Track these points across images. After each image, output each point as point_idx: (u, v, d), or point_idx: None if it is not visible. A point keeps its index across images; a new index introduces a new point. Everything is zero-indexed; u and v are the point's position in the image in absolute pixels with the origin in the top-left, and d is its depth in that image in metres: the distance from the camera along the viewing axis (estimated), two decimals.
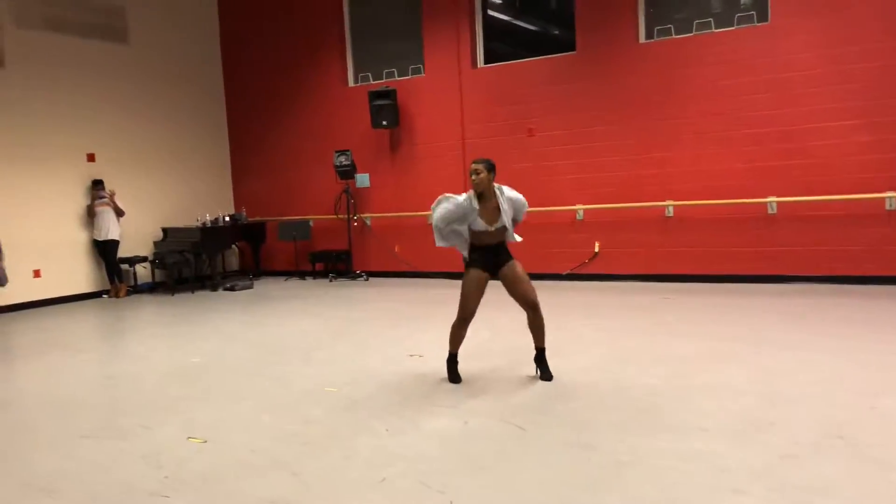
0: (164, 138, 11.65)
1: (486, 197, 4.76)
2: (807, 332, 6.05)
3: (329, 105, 11.65)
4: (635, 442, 3.71)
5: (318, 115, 11.76)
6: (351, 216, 11.33)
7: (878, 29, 7.92)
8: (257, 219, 12.32)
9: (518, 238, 4.94)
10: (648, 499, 3.07)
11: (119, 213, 10.50)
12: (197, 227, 11.08)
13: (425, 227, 10.50)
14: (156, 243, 11.28)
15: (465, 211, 4.75)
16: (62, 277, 10.20)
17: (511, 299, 4.93)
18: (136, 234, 11.00)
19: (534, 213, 9.58)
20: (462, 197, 4.78)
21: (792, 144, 8.41)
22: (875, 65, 7.96)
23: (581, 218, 9.72)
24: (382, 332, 7.04)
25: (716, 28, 8.85)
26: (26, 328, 8.39)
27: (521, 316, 5.02)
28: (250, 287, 10.90)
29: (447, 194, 4.86)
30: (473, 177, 4.72)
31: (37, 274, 9.90)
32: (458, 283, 4.94)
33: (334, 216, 11.52)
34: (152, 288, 11.16)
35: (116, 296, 10.55)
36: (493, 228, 4.76)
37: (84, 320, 8.92)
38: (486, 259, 4.83)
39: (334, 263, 11.51)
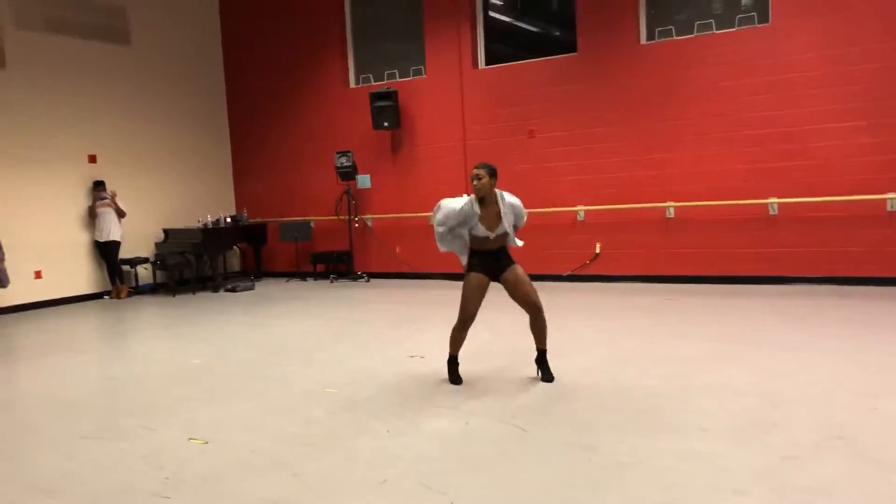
0: (166, 139, 11.67)
1: (487, 202, 4.76)
2: (807, 333, 6.05)
3: (330, 106, 11.66)
4: (636, 443, 3.71)
5: (319, 116, 11.77)
6: (352, 217, 11.34)
7: (879, 30, 7.92)
8: (258, 220, 12.33)
9: (519, 243, 4.94)
10: (649, 499, 3.07)
11: (120, 214, 10.51)
12: (198, 229, 11.09)
13: (426, 228, 10.50)
14: (157, 244, 11.29)
15: (465, 216, 4.75)
16: (63, 278, 10.21)
17: (512, 300, 4.93)
18: (137, 235, 11.00)
19: (535, 215, 9.57)
20: (464, 201, 4.78)
21: (793, 145, 8.41)
22: (876, 66, 7.96)
23: (582, 219, 9.72)
24: (383, 333, 7.04)
25: (717, 29, 8.85)
26: (27, 329, 8.40)
27: (522, 317, 5.03)
28: (251, 288, 10.91)
29: (448, 199, 4.85)
30: (475, 182, 4.72)
31: (38, 275, 9.91)
32: (459, 284, 4.94)
33: (335, 217, 11.52)
34: (153, 289, 11.17)
35: (118, 297, 10.56)
36: (493, 235, 4.76)
37: (85, 321, 8.93)
38: (487, 264, 4.82)
39: (335, 264, 11.52)
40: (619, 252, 9.52)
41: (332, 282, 11.29)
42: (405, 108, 10.86)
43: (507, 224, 4.78)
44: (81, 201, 10.47)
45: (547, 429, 4.01)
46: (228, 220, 11.65)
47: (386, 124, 10.73)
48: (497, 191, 4.81)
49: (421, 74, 10.94)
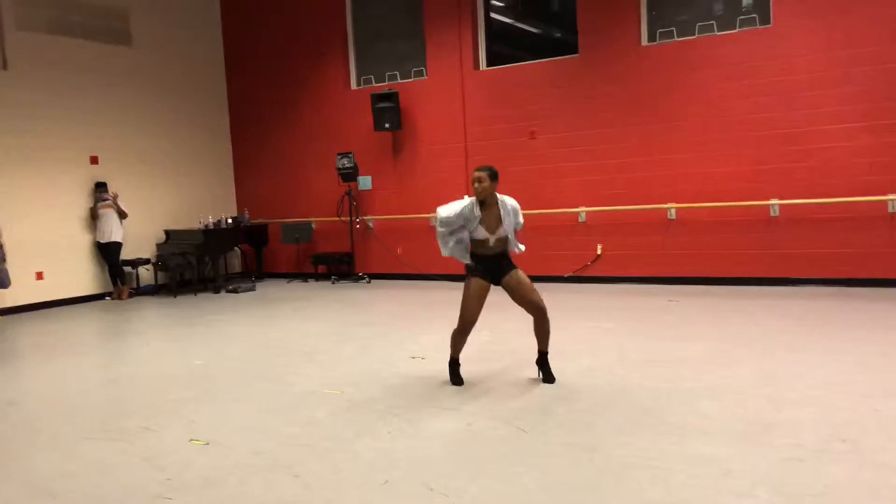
0: (167, 140, 11.67)
1: (487, 204, 4.77)
2: (810, 335, 6.04)
3: (331, 107, 11.66)
4: (638, 444, 3.70)
5: (320, 117, 11.77)
6: (353, 218, 11.34)
7: (881, 31, 7.92)
8: (260, 221, 12.33)
9: (521, 248, 4.93)
10: (652, 502, 3.07)
11: (122, 215, 10.51)
12: (199, 230, 11.09)
13: (427, 229, 10.53)
14: (158, 245, 11.29)
15: (466, 217, 4.75)
16: (65, 279, 10.21)
17: (513, 302, 4.93)
18: (138, 236, 11.01)
19: (536, 216, 9.61)
20: (465, 203, 4.78)
21: (794, 147, 8.41)
22: (877, 67, 7.95)
23: (583, 220, 9.72)
24: (384, 334, 7.03)
25: (718, 31, 8.85)
26: (29, 330, 8.40)
27: (523, 318, 5.02)
28: (253, 289, 10.91)
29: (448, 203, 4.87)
30: (476, 184, 4.73)
31: (40, 276, 9.91)
32: (460, 285, 4.94)
33: (337, 218, 11.52)
34: (155, 290, 11.17)
35: (119, 298, 10.57)
36: (493, 237, 4.76)
37: (86, 322, 8.93)
38: (488, 268, 4.83)
39: (336, 265, 11.52)
40: (620, 253, 9.51)
41: (333, 283, 11.29)
42: (406, 110, 10.86)
43: (507, 227, 4.78)
44: (83, 202, 10.48)
45: (548, 430, 4.01)
46: (230, 221, 11.65)
47: (387, 125, 10.73)
48: (497, 194, 4.82)
49: (422, 75, 10.94)
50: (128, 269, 10.84)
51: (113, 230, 10.40)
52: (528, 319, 4.95)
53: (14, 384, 5.89)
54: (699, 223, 9.02)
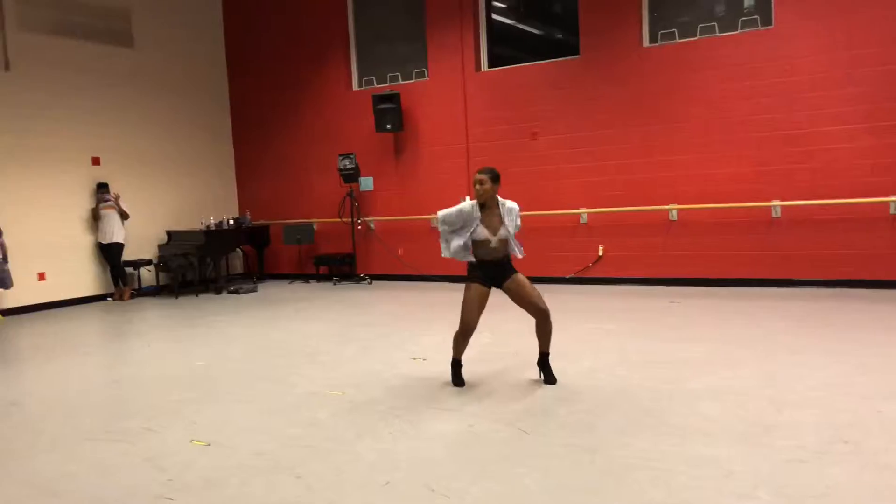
0: (169, 141, 11.69)
1: (488, 206, 4.80)
2: (812, 336, 6.03)
3: (333, 108, 11.67)
4: (639, 446, 3.70)
5: (322, 118, 11.78)
6: (355, 219, 11.35)
7: (883, 32, 7.92)
8: (261, 222, 12.34)
9: (521, 253, 4.93)
10: (653, 503, 3.06)
11: (124, 216, 10.52)
12: (201, 231, 11.10)
13: (429, 230, 10.54)
14: (160, 246, 11.30)
15: (466, 218, 4.76)
16: (67, 280, 10.23)
17: (514, 303, 4.93)
18: (140, 237, 11.02)
19: (537, 217, 9.62)
20: (466, 203, 4.80)
21: (796, 148, 8.41)
22: (879, 69, 7.95)
23: (585, 221, 9.72)
24: (386, 335, 7.03)
25: (720, 32, 8.84)
26: (31, 331, 8.41)
27: (524, 319, 5.02)
28: (254, 290, 10.92)
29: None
30: (477, 186, 4.75)
31: (41, 277, 9.93)
32: (461, 286, 4.94)
33: (338, 219, 11.53)
34: (156, 291, 11.18)
35: (121, 299, 10.58)
36: (494, 238, 4.76)
37: (88, 323, 8.94)
38: (490, 274, 4.84)
39: (338, 266, 11.52)
40: (621, 254, 9.51)
41: (334, 284, 11.29)
42: (408, 111, 10.87)
43: (509, 228, 4.79)
44: (85, 203, 10.50)
45: (550, 431, 4.01)
46: (231, 222, 11.66)
47: (389, 126, 10.74)
48: (499, 197, 4.84)
49: (424, 77, 10.95)
50: (129, 269, 10.85)
51: (115, 231, 10.42)
52: (530, 320, 4.95)
53: (16, 385, 5.89)
54: (700, 224, 9.02)
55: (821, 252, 8.37)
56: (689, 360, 5.41)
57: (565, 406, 4.43)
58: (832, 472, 3.27)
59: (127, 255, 10.71)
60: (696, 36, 8.99)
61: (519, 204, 4.95)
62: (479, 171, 4.80)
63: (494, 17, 10.65)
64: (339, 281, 11.39)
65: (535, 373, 5.04)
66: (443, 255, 4.97)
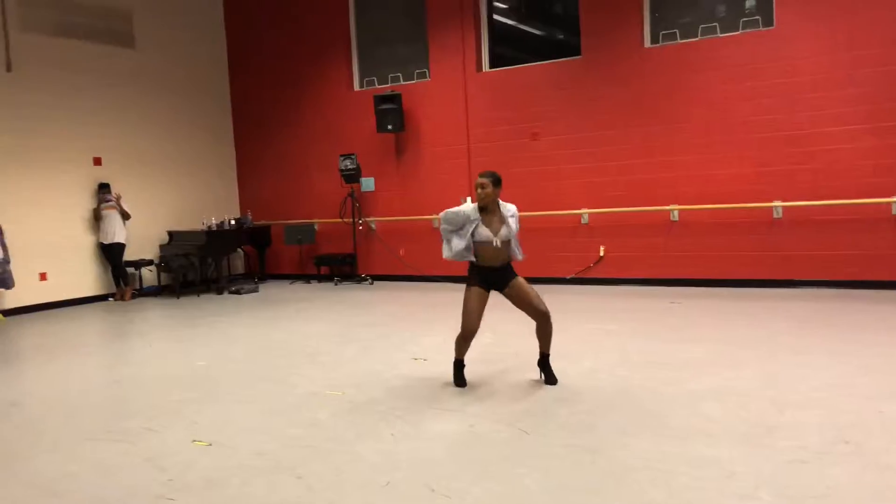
0: (171, 142, 11.70)
1: (490, 210, 4.82)
2: (813, 337, 6.03)
3: (334, 109, 11.67)
4: (641, 446, 3.69)
5: (323, 118, 11.79)
6: (356, 220, 11.35)
7: (884, 33, 7.91)
8: (263, 222, 12.34)
9: (521, 255, 4.93)
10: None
11: (125, 216, 10.53)
12: (202, 231, 11.11)
13: (430, 230, 10.54)
14: (161, 247, 11.30)
15: (464, 220, 4.78)
16: (68, 280, 10.23)
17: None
18: (141, 237, 11.03)
19: (538, 217, 9.62)
20: (467, 206, 4.82)
21: (797, 149, 8.40)
22: (881, 69, 7.94)
23: (586, 222, 9.71)
24: (387, 335, 7.03)
25: (721, 33, 8.84)
26: (32, 331, 8.42)
27: (526, 320, 5.02)
28: (255, 290, 10.92)
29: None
30: (479, 190, 4.78)
31: (43, 277, 9.93)
32: (462, 286, 4.94)
33: (339, 220, 11.53)
34: (158, 291, 11.19)
35: (122, 299, 10.58)
36: (496, 239, 4.76)
37: (90, 323, 8.94)
38: (490, 278, 4.85)
39: (339, 267, 11.52)
40: (623, 255, 9.50)
41: (335, 284, 11.29)
42: (409, 111, 10.87)
43: (511, 231, 4.80)
44: (86, 203, 10.50)
45: (550, 432, 4.00)
46: (233, 222, 11.66)
47: (390, 127, 10.74)
48: (500, 200, 4.87)
49: (425, 77, 10.95)
50: (131, 270, 10.86)
51: (116, 231, 10.42)
52: (531, 321, 4.95)
53: (17, 385, 5.90)
54: (702, 225, 9.01)
55: (822, 253, 8.36)
56: (690, 360, 5.41)
57: (566, 406, 4.43)
58: (834, 473, 3.27)
59: (128, 256, 10.72)
60: (697, 37, 8.98)
61: (520, 204, 4.96)
62: (481, 175, 4.83)
63: (496, 17, 10.66)
64: (340, 281, 11.39)
65: (536, 373, 5.04)
66: (444, 255, 4.98)
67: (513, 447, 3.81)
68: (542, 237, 9.67)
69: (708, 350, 5.71)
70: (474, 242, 4.79)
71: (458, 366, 5.04)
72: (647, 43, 9.30)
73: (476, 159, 10.33)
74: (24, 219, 9.57)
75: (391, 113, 10.68)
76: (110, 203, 10.44)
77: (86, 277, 10.51)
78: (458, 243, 4.85)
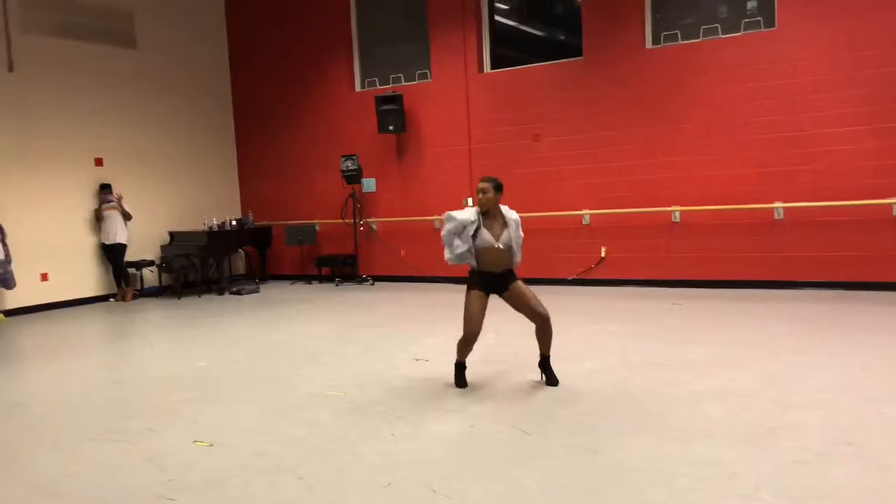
0: (172, 142, 11.71)
1: (491, 215, 4.84)
2: (814, 338, 6.02)
3: (336, 110, 11.68)
4: (642, 447, 3.69)
5: (324, 119, 11.80)
6: (357, 220, 11.35)
7: (885, 34, 7.91)
8: (264, 223, 12.35)
9: (519, 260, 4.94)
10: None
11: (126, 216, 10.54)
12: (204, 231, 11.11)
13: (431, 231, 10.54)
14: (163, 247, 11.31)
15: (466, 223, 4.78)
16: (69, 281, 10.24)
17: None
18: (143, 237, 11.04)
19: (540, 218, 9.61)
20: (468, 211, 4.83)
21: (799, 150, 8.39)
22: (882, 70, 7.94)
23: (587, 223, 9.71)
24: (388, 336, 7.03)
25: (722, 34, 8.84)
26: (33, 331, 8.42)
27: (527, 320, 5.01)
28: (257, 291, 10.92)
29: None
30: (480, 195, 4.80)
31: (44, 277, 9.94)
32: (464, 287, 4.95)
33: (340, 220, 11.53)
34: (159, 292, 11.19)
35: (123, 299, 10.59)
36: (498, 244, 4.77)
37: (91, 323, 8.95)
38: (490, 283, 4.87)
39: (340, 267, 11.53)
40: (624, 256, 9.50)
41: (336, 285, 11.29)
42: (410, 112, 10.87)
43: (512, 236, 4.82)
44: (88, 204, 10.51)
45: (551, 432, 4.00)
46: (234, 223, 11.67)
47: (391, 128, 10.74)
48: (501, 206, 4.89)
49: (426, 78, 10.95)
50: (132, 270, 10.87)
51: (117, 232, 10.43)
52: (532, 323, 4.94)
53: (18, 385, 5.90)
54: (703, 226, 9.01)
55: (824, 254, 8.35)
56: (691, 361, 5.40)
57: (567, 407, 4.43)
58: (835, 474, 3.27)
59: (129, 256, 10.72)
60: (698, 38, 8.98)
61: (521, 205, 4.98)
62: (483, 180, 4.85)
63: (497, 18, 10.66)
64: (340, 282, 11.39)
65: (537, 374, 5.04)
66: (446, 258, 4.99)
67: (513, 448, 3.81)
68: (544, 238, 9.67)
69: (709, 351, 5.71)
70: (476, 247, 4.80)
71: (460, 368, 5.05)
72: (649, 44, 9.30)
73: (477, 160, 10.33)
74: (25, 219, 9.59)
75: (392, 113, 10.69)
76: (112, 203, 10.45)
77: (87, 278, 10.51)
78: (460, 246, 4.86)
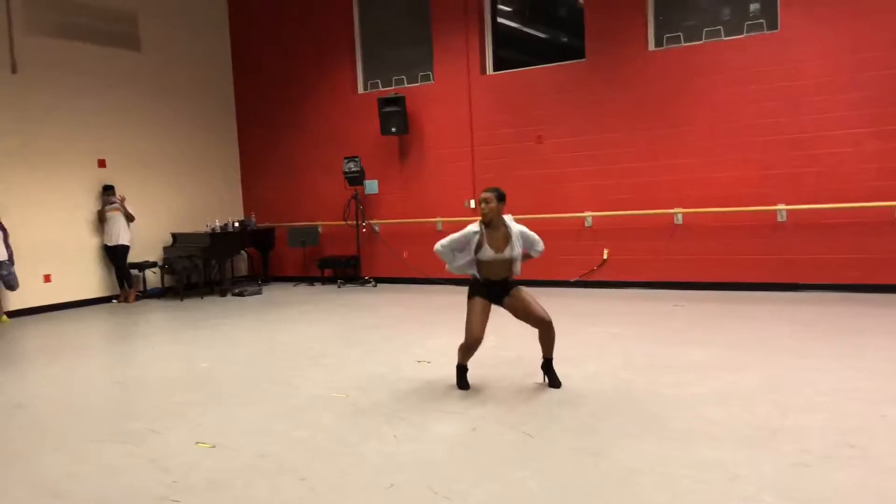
0: (175, 144, 11.73)
1: (494, 225, 4.83)
2: (817, 341, 6.01)
3: (338, 111, 11.69)
4: (644, 449, 3.69)
5: (327, 121, 11.81)
6: (359, 222, 11.36)
7: (888, 36, 7.90)
8: (266, 224, 12.36)
9: (519, 271, 4.94)
10: None
11: (129, 218, 10.56)
12: (206, 233, 11.13)
13: (434, 233, 10.54)
14: (165, 249, 11.33)
15: (469, 238, 4.81)
16: (72, 282, 10.26)
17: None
18: (145, 239, 11.05)
19: (542, 220, 9.60)
20: (469, 229, 4.84)
21: (802, 152, 8.39)
22: (885, 72, 7.93)
23: (590, 225, 9.71)
24: (390, 338, 7.04)
25: (725, 36, 8.84)
26: (36, 332, 8.44)
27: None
28: (259, 293, 10.93)
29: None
30: (483, 205, 4.80)
31: (47, 279, 9.96)
32: (466, 289, 4.96)
33: (343, 222, 11.54)
34: (162, 293, 11.21)
35: (126, 301, 10.60)
36: (500, 256, 4.78)
37: (93, 325, 8.96)
38: (491, 291, 4.89)
39: (343, 269, 11.53)
40: (626, 258, 9.49)
41: (339, 287, 11.30)
42: (413, 114, 10.88)
43: (516, 248, 4.82)
44: (91, 205, 10.53)
45: (553, 435, 4.00)
46: (236, 224, 11.69)
47: (394, 130, 10.75)
48: (504, 217, 4.89)
49: (429, 80, 10.96)
50: (135, 271, 10.88)
51: (120, 233, 10.45)
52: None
53: (21, 387, 5.91)
54: (705, 228, 9.00)
55: (827, 256, 8.34)
56: (693, 363, 5.40)
57: (569, 409, 4.43)
58: (837, 477, 3.26)
59: (132, 258, 10.74)
60: (701, 40, 8.98)
61: (524, 207, 5.00)
62: (485, 191, 4.85)
63: (500, 20, 10.67)
64: (343, 284, 11.40)
65: (539, 376, 5.04)
66: (447, 268, 5.03)
67: (515, 449, 3.81)
68: (546, 240, 9.50)
69: (711, 353, 5.70)
70: (477, 259, 4.81)
71: (461, 370, 5.05)
72: (652, 46, 9.30)
73: (480, 162, 10.34)
74: (28, 220, 9.61)
75: (395, 115, 10.70)
76: (114, 205, 10.47)
77: (90, 279, 10.53)
78: (461, 258, 4.87)
